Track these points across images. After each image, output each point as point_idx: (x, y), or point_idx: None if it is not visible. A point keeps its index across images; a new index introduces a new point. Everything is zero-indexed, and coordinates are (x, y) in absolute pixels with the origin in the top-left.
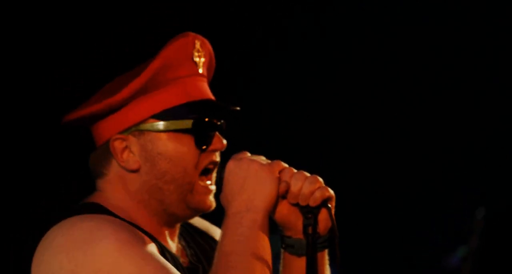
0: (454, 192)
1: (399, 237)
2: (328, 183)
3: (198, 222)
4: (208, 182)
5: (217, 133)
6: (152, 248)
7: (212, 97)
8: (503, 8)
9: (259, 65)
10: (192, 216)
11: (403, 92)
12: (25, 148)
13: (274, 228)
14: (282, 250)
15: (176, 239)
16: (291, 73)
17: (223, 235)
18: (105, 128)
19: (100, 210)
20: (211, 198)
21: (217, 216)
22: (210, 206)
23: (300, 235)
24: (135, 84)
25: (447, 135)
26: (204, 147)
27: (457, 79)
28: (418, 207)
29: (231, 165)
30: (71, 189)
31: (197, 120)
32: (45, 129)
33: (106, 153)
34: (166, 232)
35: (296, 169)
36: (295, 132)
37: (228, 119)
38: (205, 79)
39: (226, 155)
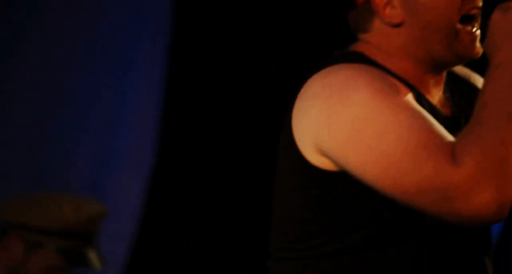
0: None
1: None
2: None
3: (459, 69)
4: (474, 29)
5: None
6: (409, 97)
7: None
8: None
9: None
10: (458, 63)
11: None
12: None
13: None
14: None
15: (441, 88)
16: None
17: (484, 86)
18: None
19: (362, 58)
20: (478, 44)
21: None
22: (478, 53)
23: None
24: None
25: None
26: None
27: None
28: None
29: (496, 15)
30: None
31: None
32: None
33: (367, 11)
34: (431, 82)
35: None
36: None
37: None
38: None
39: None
